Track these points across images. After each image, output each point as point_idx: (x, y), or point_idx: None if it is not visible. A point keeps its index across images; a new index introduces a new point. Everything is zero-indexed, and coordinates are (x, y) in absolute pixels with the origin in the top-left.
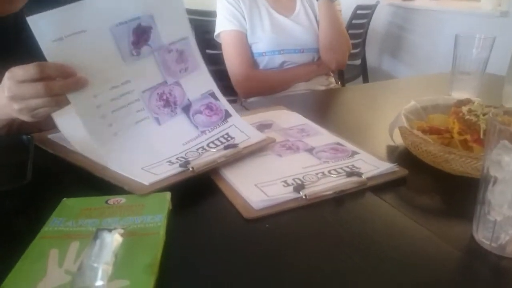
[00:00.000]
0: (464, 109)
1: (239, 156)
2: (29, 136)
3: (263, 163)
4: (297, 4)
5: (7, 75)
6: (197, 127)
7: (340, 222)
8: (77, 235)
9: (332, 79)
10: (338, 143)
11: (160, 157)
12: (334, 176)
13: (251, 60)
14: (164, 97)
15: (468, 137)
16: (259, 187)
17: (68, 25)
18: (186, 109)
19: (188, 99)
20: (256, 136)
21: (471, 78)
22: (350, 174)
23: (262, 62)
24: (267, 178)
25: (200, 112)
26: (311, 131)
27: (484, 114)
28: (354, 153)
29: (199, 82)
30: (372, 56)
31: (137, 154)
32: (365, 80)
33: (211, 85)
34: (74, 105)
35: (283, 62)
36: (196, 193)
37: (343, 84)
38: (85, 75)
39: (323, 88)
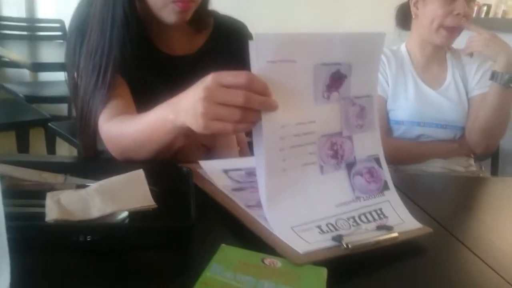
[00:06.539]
0: None
1: (394, 242)
2: (189, 169)
3: None
4: (447, 77)
5: (212, 76)
6: (353, 190)
7: None
8: None
9: (472, 161)
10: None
11: (312, 214)
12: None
13: (386, 126)
14: (335, 148)
15: None
16: None
17: (285, 50)
18: (350, 166)
19: (354, 157)
20: (411, 222)
21: None
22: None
23: (398, 130)
24: None
25: (361, 175)
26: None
27: None
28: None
29: (369, 143)
30: (506, 136)
31: (293, 198)
32: (494, 163)
33: (378, 149)
34: (264, 129)
35: (421, 135)
36: (350, 270)
37: (495, 173)
38: (279, 103)
39: (462, 169)
